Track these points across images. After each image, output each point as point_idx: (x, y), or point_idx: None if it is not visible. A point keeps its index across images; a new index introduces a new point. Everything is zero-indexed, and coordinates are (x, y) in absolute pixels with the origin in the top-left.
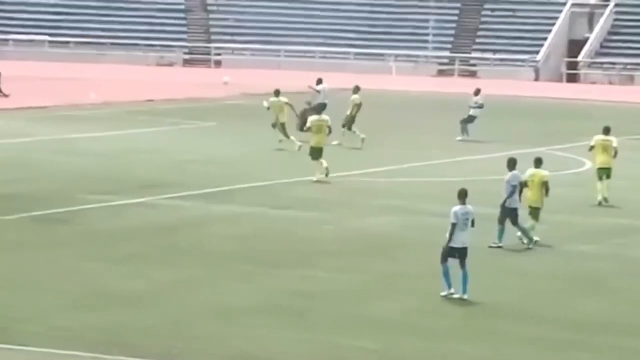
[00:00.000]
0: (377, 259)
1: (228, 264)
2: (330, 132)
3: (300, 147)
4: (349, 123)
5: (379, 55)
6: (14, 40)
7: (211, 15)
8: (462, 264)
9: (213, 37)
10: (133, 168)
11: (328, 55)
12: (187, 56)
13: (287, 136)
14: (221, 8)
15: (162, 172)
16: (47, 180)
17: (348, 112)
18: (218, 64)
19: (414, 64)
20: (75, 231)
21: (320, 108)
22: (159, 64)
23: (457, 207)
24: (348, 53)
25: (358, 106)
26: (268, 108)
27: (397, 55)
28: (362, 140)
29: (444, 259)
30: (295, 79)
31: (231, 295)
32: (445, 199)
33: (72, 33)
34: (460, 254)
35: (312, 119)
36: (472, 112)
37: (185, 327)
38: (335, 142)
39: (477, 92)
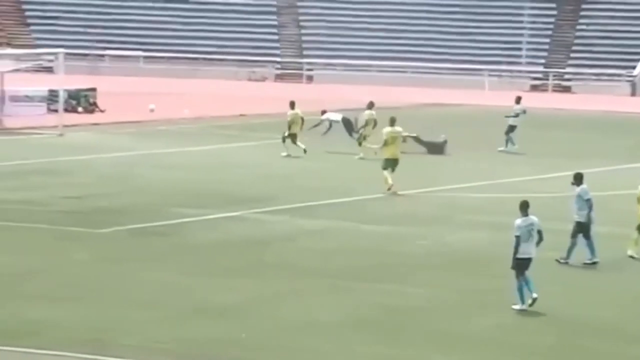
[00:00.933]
0: (468, 275)
1: (319, 278)
2: (405, 141)
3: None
4: (361, 139)
5: (471, 70)
6: (110, 56)
7: (303, 31)
8: (522, 273)
9: (305, 52)
10: (225, 182)
11: (420, 70)
12: (279, 71)
13: (294, 143)
14: (313, 24)
15: (253, 187)
16: (142, 194)
17: (361, 128)
18: (310, 79)
19: (507, 79)
20: (170, 244)
21: (348, 124)
22: (250, 79)
23: (519, 220)
24: (441, 68)
25: (370, 122)
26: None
27: (490, 70)
28: (360, 159)
29: (518, 274)
30: (387, 94)
31: (322, 309)
32: (536, 215)
33: (167, 49)
34: (525, 264)
35: (386, 130)
36: (510, 121)
37: (278, 340)
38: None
39: (517, 100)
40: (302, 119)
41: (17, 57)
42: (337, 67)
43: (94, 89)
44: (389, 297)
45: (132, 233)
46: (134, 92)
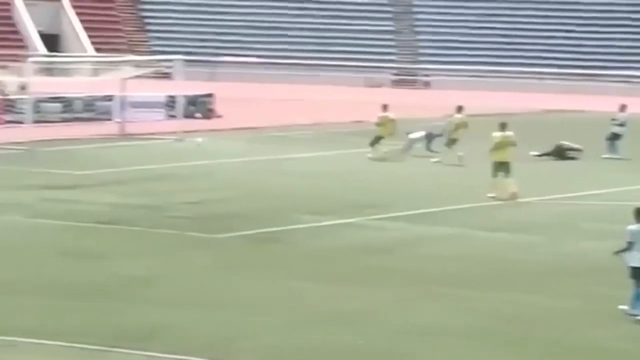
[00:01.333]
0: (590, 284)
1: (436, 285)
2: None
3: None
4: (450, 142)
5: (597, 76)
6: (227, 61)
7: (419, 37)
8: (639, 284)
9: (421, 58)
10: (341, 188)
11: (538, 76)
12: (395, 77)
13: (372, 145)
14: (429, 29)
15: (369, 193)
16: (259, 199)
17: (450, 132)
18: (426, 85)
19: (636, 85)
20: (287, 250)
21: (430, 137)
22: (367, 85)
23: (633, 226)
24: (563, 74)
25: (460, 126)
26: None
27: (617, 76)
28: (460, 157)
29: (637, 283)
30: (505, 100)
31: (438, 317)
32: None
33: (284, 55)
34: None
35: (496, 134)
36: (615, 129)
37: (394, 347)
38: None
39: (622, 108)
40: (393, 122)
41: (137, 64)
42: (454, 73)
43: (211, 95)
44: (508, 305)
45: (248, 239)
46: (252, 98)
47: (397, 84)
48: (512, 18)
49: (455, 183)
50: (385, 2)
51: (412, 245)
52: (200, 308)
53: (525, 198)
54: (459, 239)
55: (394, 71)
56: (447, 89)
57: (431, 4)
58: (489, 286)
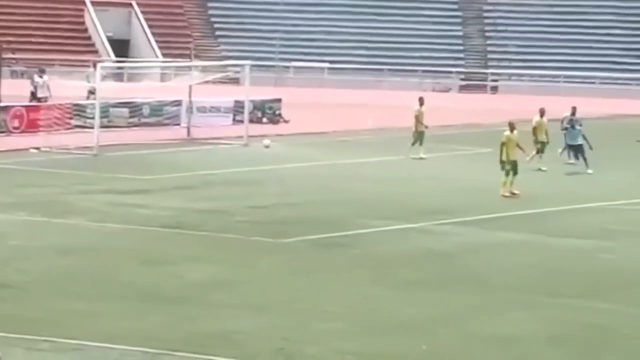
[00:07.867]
0: None
1: (506, 292)
2: None
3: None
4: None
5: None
6: (295, 67)
7: (489, 42)
8: None
9: (490, 62)
10: (408, 194)
11: (609, 80)
12: (463, 82)
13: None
14: (499, 34)
15: (436, 198)
16: (325, 204)
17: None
18: (495, 89)
19: None
20: (352, 255)
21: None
22: (434, 90)
23: None
24: (632, 79)
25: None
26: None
27: None
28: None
29: None
30: (573, 105)
31: (512, 324)
32: None
33: (351, 60)
34: None
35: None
36: None
37: (466, 355)
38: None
39: None
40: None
41: (205, 69)
42: (523, 78)
43: (278, 100)
44: (582, 313)
45: (314, 243)
46: (319, 104)
47: (465, 88)
48: (585, 22)
49: (527, 187)
50: (455, 7)
51: (479, 251)
52: (267, 313)
53: (597, 203)
54: (526, 244)
55: (462, 76)
56: (516, 94)
57: (502, 9)
58: (559, 293)
